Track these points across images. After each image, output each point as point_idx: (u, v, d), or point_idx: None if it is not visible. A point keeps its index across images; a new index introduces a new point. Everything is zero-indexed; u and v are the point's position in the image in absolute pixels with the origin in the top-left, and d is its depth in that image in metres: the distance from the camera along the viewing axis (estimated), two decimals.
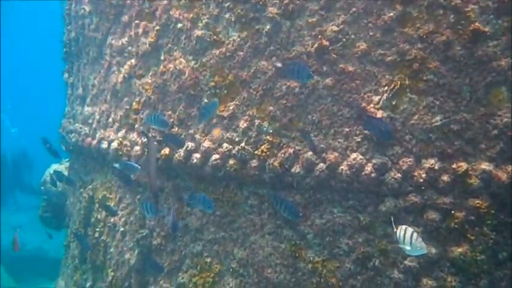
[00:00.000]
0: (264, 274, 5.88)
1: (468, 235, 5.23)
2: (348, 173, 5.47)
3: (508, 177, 5.12)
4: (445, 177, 5.26)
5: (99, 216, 7.55)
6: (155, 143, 6.49)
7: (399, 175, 5.36)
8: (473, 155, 5.22)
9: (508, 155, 5.16)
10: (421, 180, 5.28)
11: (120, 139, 7.00)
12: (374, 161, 5.43)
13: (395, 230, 5.02)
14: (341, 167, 5.51)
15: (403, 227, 4.98)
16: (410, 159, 5.34)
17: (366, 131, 5.41)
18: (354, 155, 5.48)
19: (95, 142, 7.48)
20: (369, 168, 5.43)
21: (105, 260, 7.38)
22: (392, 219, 5.22)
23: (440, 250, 5.30)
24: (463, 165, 5.20)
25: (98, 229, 7.51)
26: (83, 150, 7.93)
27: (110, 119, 7.34)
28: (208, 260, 6.26)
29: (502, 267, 5.25)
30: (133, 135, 6.87)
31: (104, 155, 7.32)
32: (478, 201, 5.19)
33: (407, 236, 4.90)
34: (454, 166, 5.23)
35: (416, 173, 5.31)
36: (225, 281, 6.14)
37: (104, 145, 7.26)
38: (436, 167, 5.26)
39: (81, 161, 8.32)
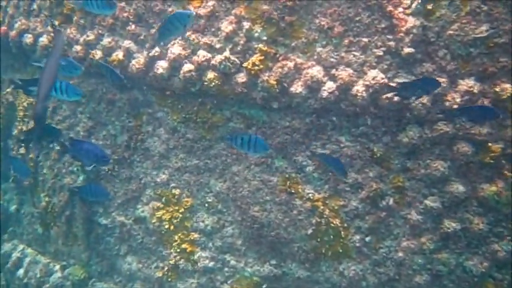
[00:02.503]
0: (250, 212, 4.83)
1: (504, 171, 4.37)
2: (364, 95, 4.36)
3: None
4: (484, 103, 4.27)
5: (24, 128, 6.06)
6: (64, 36, 5.02)
7: (428, 99, 4.31)
8: None
9: None
10: (455, 105, 4.27)
11: (52, 34, 5.40)
12: (398, 80, 4.33)
13: None
14: (356, 88, 4.38)
15: None
16: (443, 79, 4.28)
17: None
18: (372, 73, 4.34)
19: (13, 34, 5.80)
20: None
21: (37, 181, 6.01)
22: None
23: (469, 188, 4.44)
24: (508, 88, 4.22)
25: (23, 144, 6.04)
26: None
27: (35, 5, 5.64)
28: (177, 191, 5.09)
29: None
30: (72, 30, 5.29)
31: (28, 52, 5.72)
32: None
33: None
34: (496, 89, 4.24)
35: (449, 97, 4.29)
36: (198, 217, 5.05)
37: (28, 39, 5.63)
38: (474, 90, 4.25)
39: None
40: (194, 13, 4.33)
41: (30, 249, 6.30)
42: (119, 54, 4.99)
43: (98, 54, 5.09)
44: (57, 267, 5.91)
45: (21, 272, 6.23)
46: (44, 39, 5.43)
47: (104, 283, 5.58)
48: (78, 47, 5.20)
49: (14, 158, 5.81)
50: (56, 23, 5.32)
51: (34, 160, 6.09)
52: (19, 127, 6.09)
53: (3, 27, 5.90)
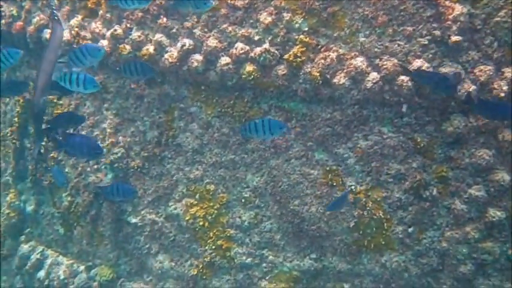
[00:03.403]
0: (290, 206, 4.76)
1: None
2: (410, 84, 4.30)
3: None
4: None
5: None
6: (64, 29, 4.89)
7: (474, 87, 4.26)
8: None
9: None
10: (502, 93, 4.23)
11: (76, 28, 5.22)
12: (444, 69, 4.27)
13: None
14: (401, 78, 4.31)
15: None
16: (489, 67, 4.24)
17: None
18: (417, 62, 4.28)
19: (31, 29, 5.61)
20: None
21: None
22: None
23: None
24: None
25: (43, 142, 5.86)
26: (8, 37, 5.99)
27: None
28: (211, 187, 4.99)
29: None
30: (97, 24, 5.13)
31: None
32: None
33: None
34: None
35: (496, 85, 4.24)
36: (234, 213, 4.95)
37: (48, 35, 5.45)
38: None
39: None
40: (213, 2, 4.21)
41: (50, 250, 6.13)
42: (149, 48, 4.85)
43: (126, 48, 4.94)
44: (82, 268, 5.77)
45: (42, 273, 6.07)
46: (65, 35, 5.23)
47: (134, 283, 5.47)
48: (104, 42, 5.04)
49: (53, 165, 5.63)
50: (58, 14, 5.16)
51: (35, 156, 5.96)
52: None
53: (19, 23, 5.70)
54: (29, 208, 6.26)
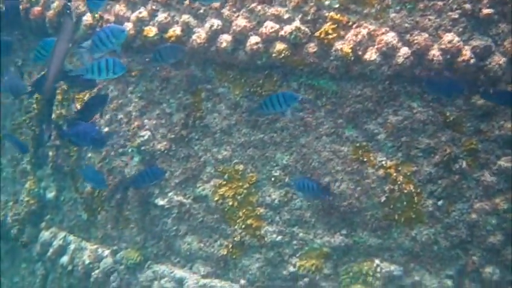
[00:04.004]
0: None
1: None
2: (440, 59, 4.35)
3: None
4: None
5: (62, 112, 5.85)
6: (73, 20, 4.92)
7: (504, 60, 4.32)
8: None
9: None
10: None
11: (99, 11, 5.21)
12: (474, 43, 4.34)
13: None
14: (432, 52, 4.36)
15: None
16: None
17: None
18: (448, 36, 4.33)
19: (50, 14, 5.57)
20: (467, 52, 4.33)
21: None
22: None
23: None
24: None
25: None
26: (25, 24, 5.96)
27: None
28: (240, 167, 5.02)
29: None
30: (121, 7, 5.10)
31: None
32: None
33: None
34: None
35: None
36: (264, 191, 4.99)
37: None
38: None
39: (20, 39, 6.29)
40: None
41: (72, 236, 6.13)
42: (176, 30, 4.84)
43: (152, 31, 4.93)
44: (107, 252, 5.77)
45: (65, 259, 6.05)
46: (87, 18, 5.23)
47: (161, 264, 5.49)
48: (129, 25, 5.03)
49: (87, 165, 5.61)
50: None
51: (46, 141, 5.96)
52: (57, 111, 5.87)
53: (38, 8, 5.66)
54: (50, 195, 6.24)
